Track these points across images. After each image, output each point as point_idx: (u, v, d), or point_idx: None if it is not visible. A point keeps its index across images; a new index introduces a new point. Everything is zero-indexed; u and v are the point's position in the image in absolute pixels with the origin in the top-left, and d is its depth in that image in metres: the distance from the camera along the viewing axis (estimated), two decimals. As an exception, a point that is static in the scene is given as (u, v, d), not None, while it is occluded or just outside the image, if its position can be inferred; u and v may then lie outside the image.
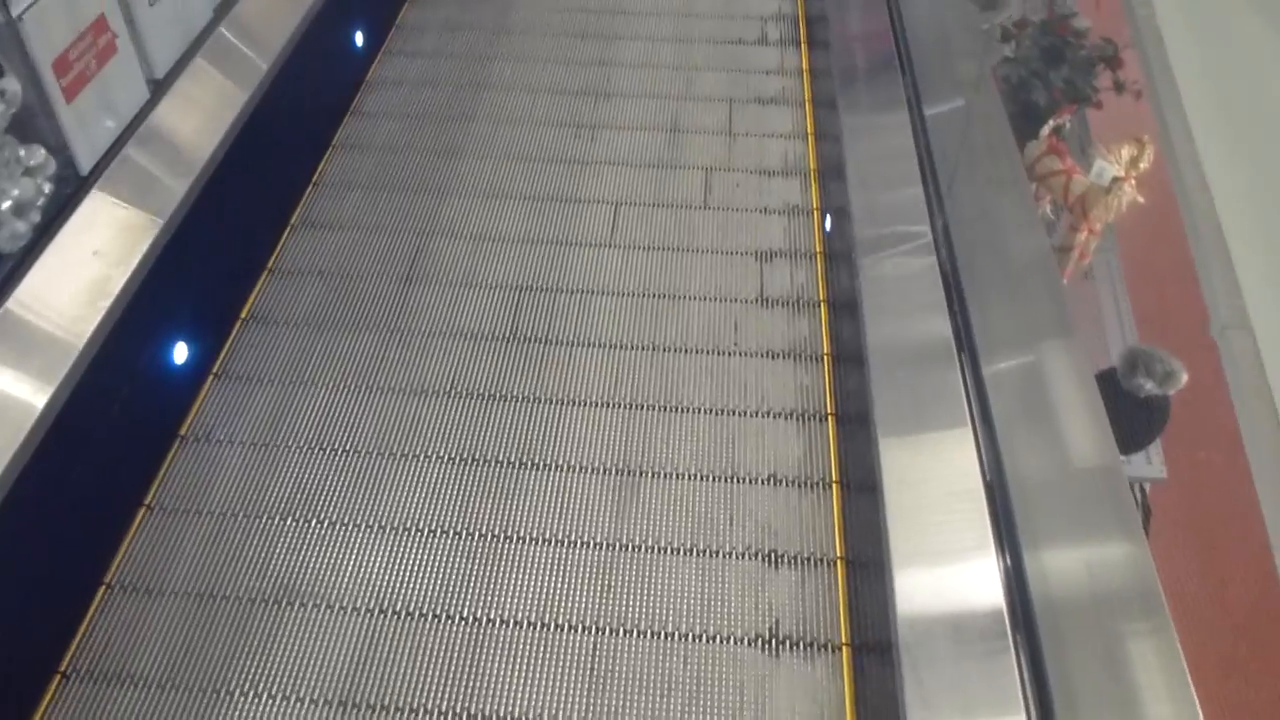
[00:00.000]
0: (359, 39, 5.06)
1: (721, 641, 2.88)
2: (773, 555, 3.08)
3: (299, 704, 2.76)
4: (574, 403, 3.51)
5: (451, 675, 2.82)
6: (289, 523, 3.16)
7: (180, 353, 3.42)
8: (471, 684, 2.80)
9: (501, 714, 2.74)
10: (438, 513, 3.19)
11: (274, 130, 3.85)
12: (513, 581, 3.02)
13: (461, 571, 3.05)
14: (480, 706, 2.76)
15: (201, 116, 3.38)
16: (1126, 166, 5.00)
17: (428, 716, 2.74)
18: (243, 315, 3.77)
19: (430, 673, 2.82)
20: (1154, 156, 4.92)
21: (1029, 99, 5.51)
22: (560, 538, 3.13)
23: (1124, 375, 3.93)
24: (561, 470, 3.31)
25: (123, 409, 3.08)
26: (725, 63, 5.23)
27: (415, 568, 3.06)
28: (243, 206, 3.76)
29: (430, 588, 3.01)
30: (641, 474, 3.29)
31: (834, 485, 3.26)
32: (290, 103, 3.97)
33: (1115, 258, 5.59)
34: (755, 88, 5.06)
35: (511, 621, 2.93)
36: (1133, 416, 3.93)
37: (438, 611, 2.95)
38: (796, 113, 4.91)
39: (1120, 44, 5.35)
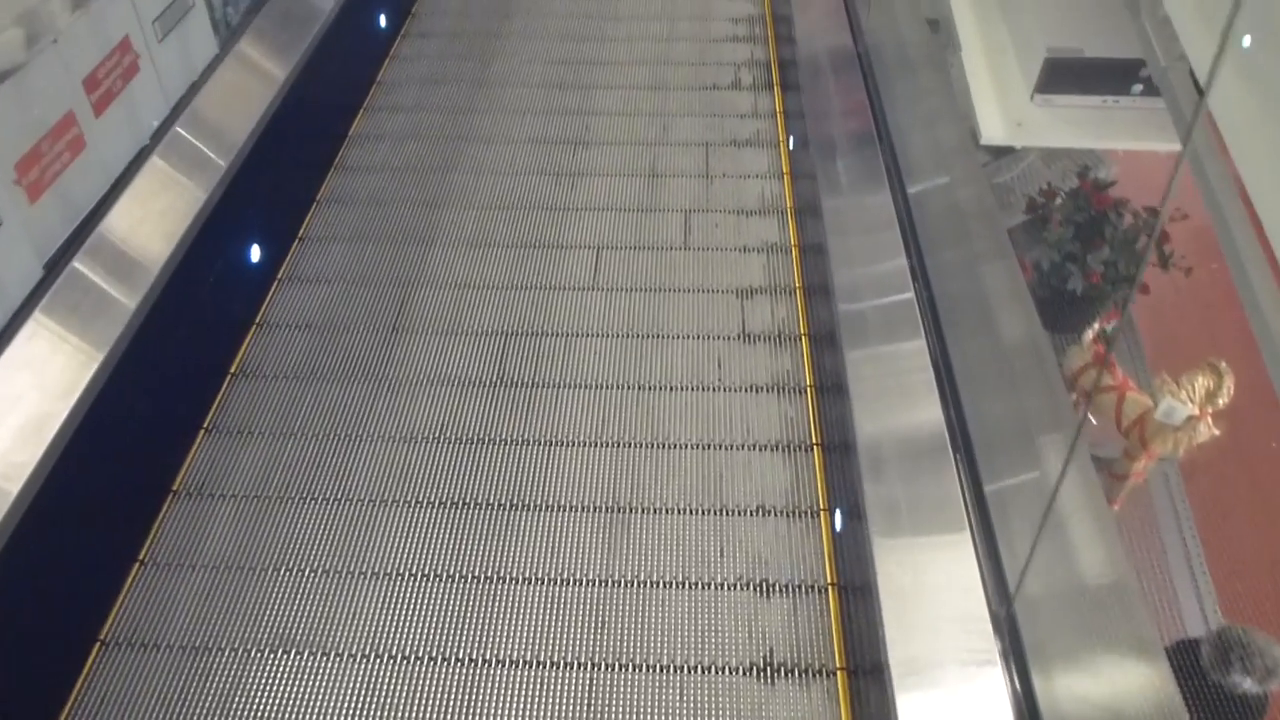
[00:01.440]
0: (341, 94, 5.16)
1: (717, 672, 2.90)
2: (764, 585, 3.11)
3: (297, 752, 2.76)
4: (562, 443, 3.54)
5: (450, 717, 2.82)
6: (283, 573, 3.17)
7: (170, 408, 3.46)
8: (470, 725, 2.81)
9: (500, 753, 2.75)
10: (430, 557, 3.20)
11: (259, 187, 3.93)
12: (507, 622, 3.04)
13: (456, 614, 3.06)
14: (479, 747, 2.76)
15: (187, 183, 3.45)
16: (1201, 402, 4.05)
17: (427, 759, 2.74)
18: (232, 370, 3.80)
19: (429, 715, 2.83)
20: (1233, 385, 4.01)
21: (1063, 288, 4.77)
22: (553, 577, 3.15)
23: (1214, 665, 3.02)
24: (552, 510, 3.33)
25: (115, 466, 3.11)
26: (700, 108, 5.33)
27: (410, 612, 3.07)
28: (229, 263, 3.83)
29: (426, 631, 3.02)
30: (632, 510, 3.32)
31: (822, 513, 3.30)
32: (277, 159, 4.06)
33: (1175, 471, 4.60)
34: (730, 131, 5.16)
35: (508, 661, 2.94)
36: (1221, 710, 3.06)
37: (434, 654, 2.96)
38: (771, 153, 5.00)
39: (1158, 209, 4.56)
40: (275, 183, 4.25)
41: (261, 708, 2.84)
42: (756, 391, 3.73)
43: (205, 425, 3.60)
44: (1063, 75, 3.70)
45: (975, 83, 3.93)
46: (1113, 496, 4.15)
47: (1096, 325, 4.58)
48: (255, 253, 4.14)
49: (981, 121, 3.81)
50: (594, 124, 5.20)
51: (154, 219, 3.35)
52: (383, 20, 5.75)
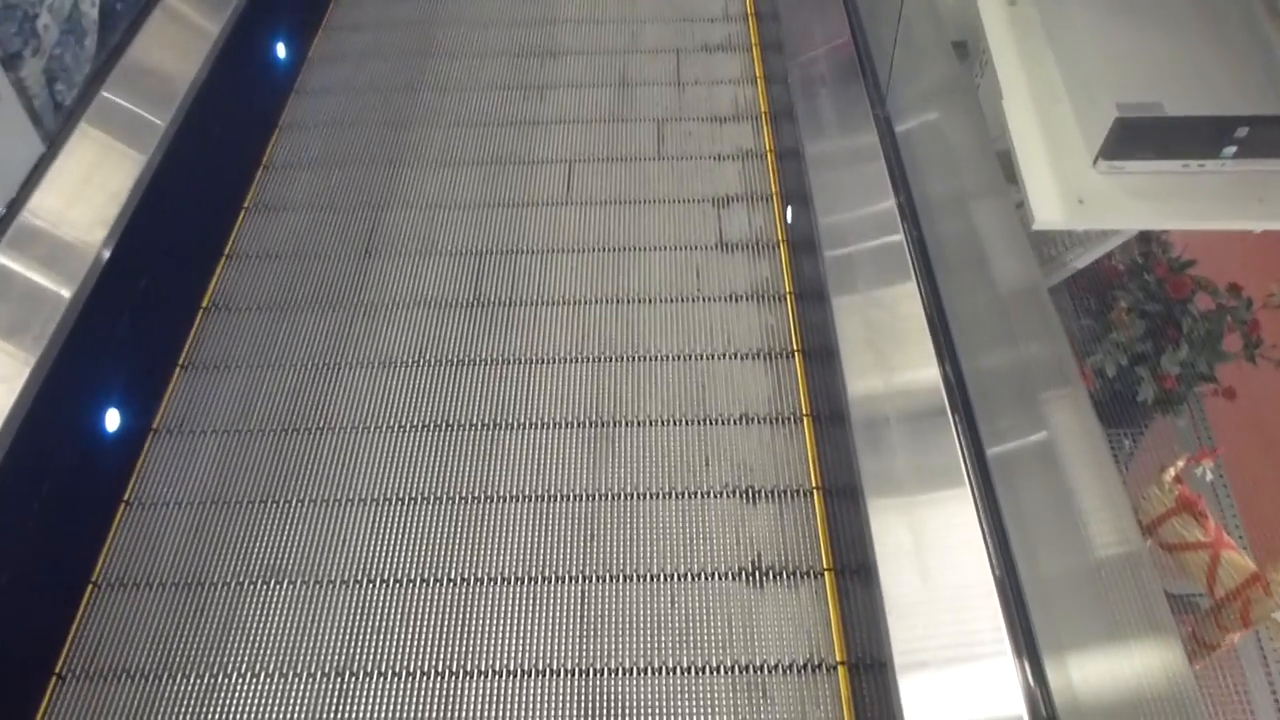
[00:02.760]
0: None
1: (706, 578, 2.93)
2: (750, 491, 3.13)
3: (296, 679, 2.80)
4: (543, 361, 3.53)
5: (445, 636, 2.86)
6: (270, 505, 3.18)
7: (145, 344, 3.43)
8: (465, 642, 2.84)
9: (497, 668, 2.78)
10: (416, 481, 3.21)
11: (220, 116, 3.84)
12: (497, 540, 3.06)
13: (446, 535, 3.08)
14: (476, 663, 2.80)
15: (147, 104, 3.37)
16: None
17: (424, 678, 2.78)
18: (204, 304, 3.76)
19: (424, 635, 2.86)
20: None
21: (1129, 395, 3.80)
22: (540, 493, 3.16)
23: None
24: (536, 428, 3.33)
25: (93, 405, 3.09)
26: (670, 13, 5.21)
27: (399, 536, 3.08)
28: (196, 191, 3.76)
29: (416, 554, 3.04)
30: (616, 424, 3.32)
31: (805, 419, 3.30)
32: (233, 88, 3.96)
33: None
34: (701, 36, 5.05)
35: (500, 578, 2.96)
36: None
37: (426, 576, 2.98)
38: (744, 58, 4.91)
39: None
40: (236, 108, 4.16)
41: (257, 639, 2.87)
42: (736, 300, 3.71)
43: (181, 362, 3.57)
44: (1136, 136, 2.86)
45: (1022, 144, 3.03)
46: (1197, 657, 3.28)
47: (1181, 465, 3.37)
48: (220, 181, 4.06)
49: (1032, 197, 2.90)
50: (561, 33, 5.08)
51: (115, 151, 3.28)
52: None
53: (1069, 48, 3.24)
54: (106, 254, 3.01)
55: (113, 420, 3.22)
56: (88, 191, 3.11)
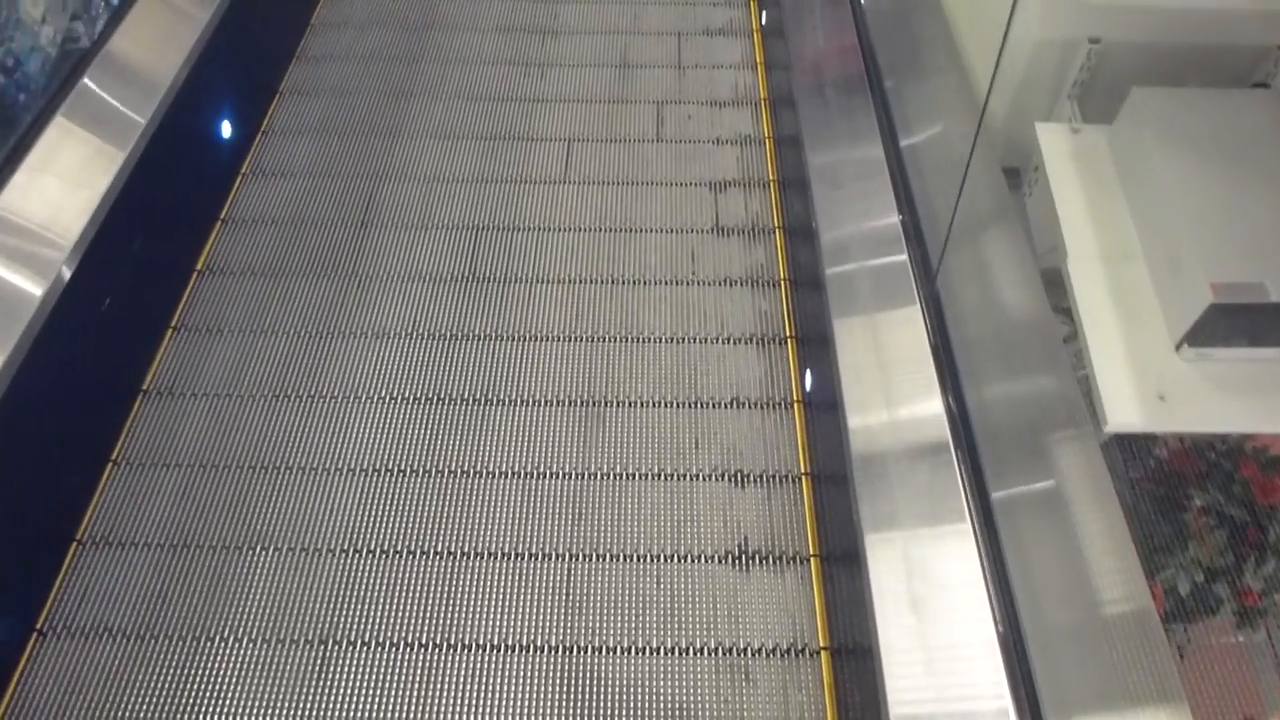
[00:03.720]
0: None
1: (693, 560, 2.94)
2: (739, 475, 3.14)
3: (279, 645, 2.80)
4: (536, 338, 3.53)
5: (429, 608, 2.86)
6: (258, 471, 3.17)
7: (138, 306, 3.41)
8: (450, 615, 2.85)
9: (480, 642, 2.79)
10: (406, 452, 3.21)
11: (221, 79, 3.81)
12: (485, 515, 3.06)
13: (433, 508, 3.08)
14: (460, 636, 2.81)
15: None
16: None
17: (408, 649, 2.79)
18: (198, 267, 3.74)
19: (408, 607, 2.87)
20: None
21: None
22: (529, 470, 3.16)
23: None
24: (527, 405, 3.33)
25: (84, 367, 3.08)
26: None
27: (387, 507, 3.09)
28: (191, 157, 3.73)
29: (403, 526, 3.04)
30: (607, 404, 3.33)
31: (796, 405, 3.32)
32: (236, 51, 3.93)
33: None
34: (703, 19, 5.04)
35: (486, 554, 2.97)
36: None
37: (412, 548, 2.98)
38: (745, 43, 4.90)
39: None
40: (237, 73, 4.13)
41: (241, 604, 2.87)
42: (730, 285, 3.72)
43: (173, 324, 3.56)
44: (1233, 322, 2.39)
45: (1090, 318, 2.55)
46: None
47: None
48: (218, 147, 4.04)
49: (1104, 393, 2.43)
50: (563, 12, 5.06)
51: (117, 112, 3.26)
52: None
53: (1148, 197, 2.72)
54: (101, 216, 2.99)
55: (102, 379, 3.20)
56: (80, 156, 3.09)
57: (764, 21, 4.92)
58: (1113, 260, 2.66)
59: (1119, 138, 2.93)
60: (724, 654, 2.77)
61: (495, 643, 2.80)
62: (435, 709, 2.69)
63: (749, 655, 2.77)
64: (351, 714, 2.68)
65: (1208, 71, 3.03)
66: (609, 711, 2.68)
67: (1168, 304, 2.55)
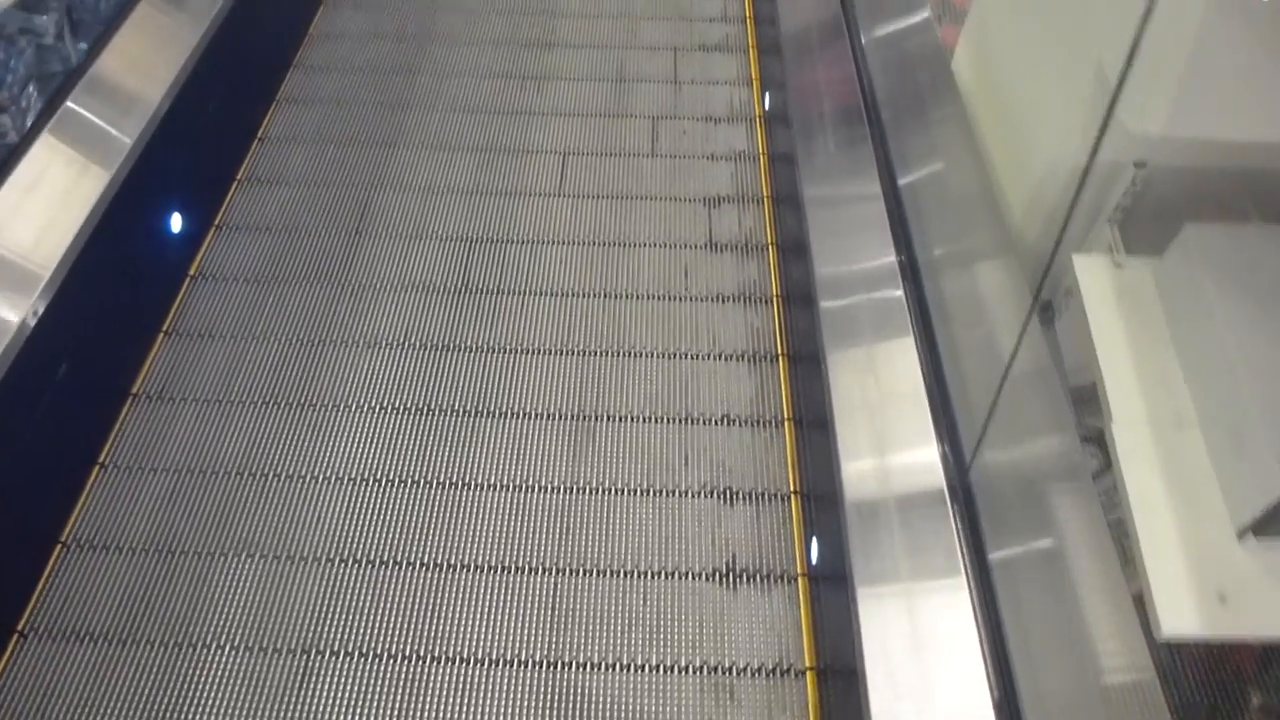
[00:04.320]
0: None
1: (680, 578, 2.94)
2: (728, 492, 3.14)
3: (261, 654, 2.78)
4: (527, 351, 3.52)
5: (415, 620, 2.85)
6: (246, 477, 3.16)
7: (129, 310, 3.40)
8: (435, 627, 2.84)
9: (465, 655, 2.78)
10: (395, 462, 3.20)
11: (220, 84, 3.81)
12: (472, 527, 3.05)
13: (421, 519, 3.07)
14: (445, 649, 2.79)
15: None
16: None
17: (391, 661, 2.77)
18: (191, 272, 3.73)
19: (393, 618, 2.85)
20: None
21: None
22: (518, 483, 3.16)
23: None
24: (517, 417, 3.33)
25: (72, 370, 3.06)
26: (668, 11, 5.22)
27: (374, 517, 3.08)
28: (188, 163, 3.73)
29: (390, 536, 3.03)
30: (597, 418, 3.33)
31: (786, 423, 3.32)
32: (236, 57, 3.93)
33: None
34: (699, 35, 5.06)
35: (472, 566, 2.96)
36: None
37: (398, 559, 2.97)
38: (740, 59, 4.92)
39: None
40: (233, 81, 4.13)
41: (224, 612, 2.85)
42: (723, 301, 3.72)
43: (165, 328, 3.54)
44: None
45: (1138, 498, 2.22)
46: None
47: None
48: (214, 152, 4.04)
49: (1156, 591, 2.11)
50: (561, 26, 5.08)
51: (111, 115, 3.26)
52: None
53: (1204, 352, 2.36)
54: (95, 220, 2.99)
55: (91, 382, 3.19)
56: (76, 160, 3.09)
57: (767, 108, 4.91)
58: (1164, 428, 2.30)
59: (1169, 279, 2.55)
60: (709, 672, 2.76)
61: (480, 656, 2.79)
62: (418, 721, 2.68)
63: (734, 674, 2.76)
64: (334, 725, 2.67)
65: (1269, 202, 2.64)
66: (593, 727, 2.68)
67: (1230, 485, 2.18)
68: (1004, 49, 3.30)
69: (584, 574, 2.95)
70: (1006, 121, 3.23)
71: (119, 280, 3.32)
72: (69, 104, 3.15)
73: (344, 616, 2.86)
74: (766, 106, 4.60)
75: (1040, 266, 2.76)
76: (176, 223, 3.75)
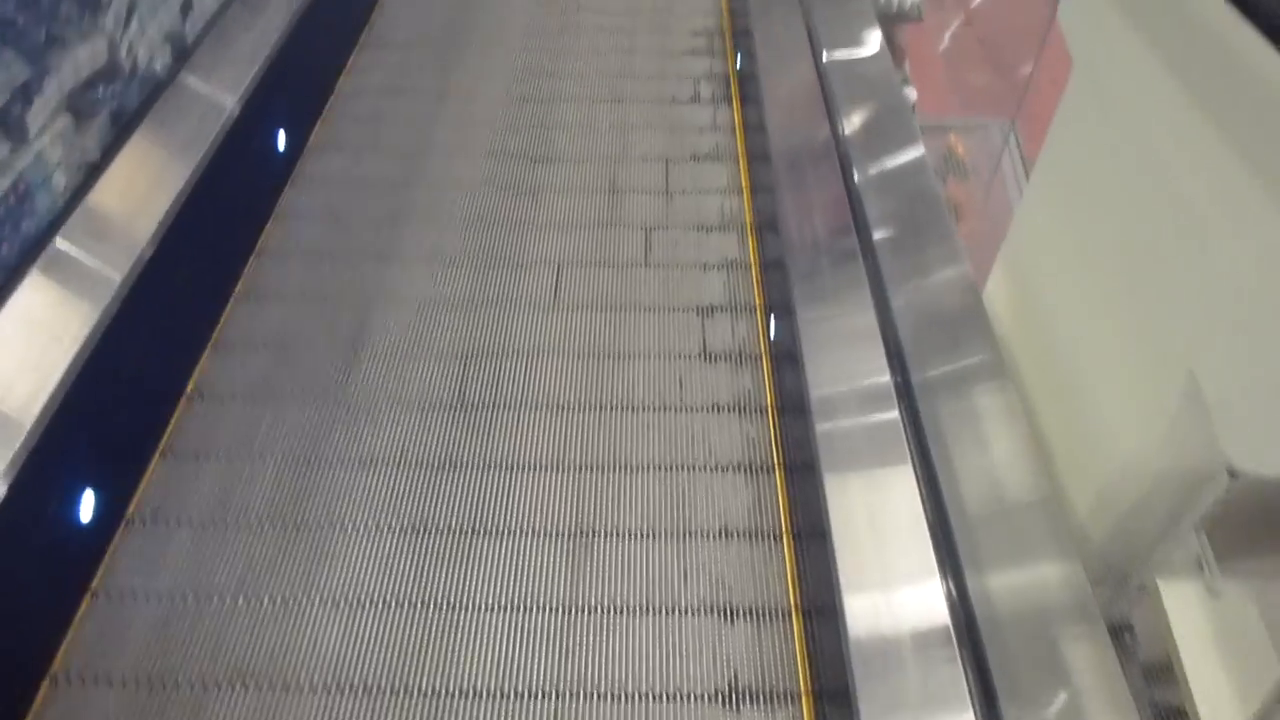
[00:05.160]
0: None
1: (682, 700, 2.89)
2: (728, 609, 3.11)
3: (257, 788, 2.72)
4: (524, 467, 3.52)
5: (412, 749, 2.80)
6: (240, 602, 3.12)
7: (126, 430, 3.40)
8: (432, 757, 2.79)
9: (464, 786, 2.73)
10: (391, 584, 3.17)
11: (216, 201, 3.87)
12: (470, 651, 3.01)
13: (418, 643, 3.03)
14: (442, 780, 2.74)
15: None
16: None
17: (389, 793, 2.72)
18: (188, 391, 3.74)
19: (390, 748, 2.80)
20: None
21: None
22: (516, 604, 3.13)
23: None
24: (514, 536, 3.31)
25: (67, 495, 3.05)
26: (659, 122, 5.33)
27: (371, 642, 3.04)
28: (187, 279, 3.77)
29: (387, 662, 2.98)
30: (594, 535, 3.31)
31: (784, 535, 3.30)
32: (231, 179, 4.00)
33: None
34: (690, 145, 5.16)
35: (471, 692, 2.91)
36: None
37: (395, 686, 2.93)
38: (731, 168, 5.01)
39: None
40: (233, 196, 4.19)
41: (220, 743, 2.80)
42: (718, 411, 3.73)
43: (161, 449, 3.54)
44: None
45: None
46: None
47: None
48: (211, 269, 4.08)
49: None
50: (555, 138, 5.18)
51: (115, 230, 3.30)
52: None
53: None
54: (93, 343, 3.01)
55: (85, 507, 3.17)
56: (74, 282, 3.12)
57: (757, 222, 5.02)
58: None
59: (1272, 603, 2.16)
60: (713, 799, 2.71)
61: (479, 787, 2.73)
62: None
63: (739, 801, 2.71)
64: None
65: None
66: None
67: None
68: (1060, 311, 2.87)
69: (585, 698, 2.91)
70: (1062, 395, 2.87)
71: (117, 401, 3.32)
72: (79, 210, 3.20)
73: (340, 747, 2.81)
74: (756, 213, 4.67)
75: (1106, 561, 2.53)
76: (173, 341, 3.77)
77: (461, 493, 3.43)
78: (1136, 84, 2.36)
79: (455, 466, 3.51)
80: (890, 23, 5.43)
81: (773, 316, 4.07)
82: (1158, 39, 2.25)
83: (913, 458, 2.79)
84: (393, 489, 3.44)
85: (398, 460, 3.53)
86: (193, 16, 3.92)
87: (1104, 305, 2.62)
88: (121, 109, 3.50)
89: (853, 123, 4.05)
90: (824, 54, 4.49)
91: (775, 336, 3.97)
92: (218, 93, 3.99)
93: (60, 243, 3.13)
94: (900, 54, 5.65)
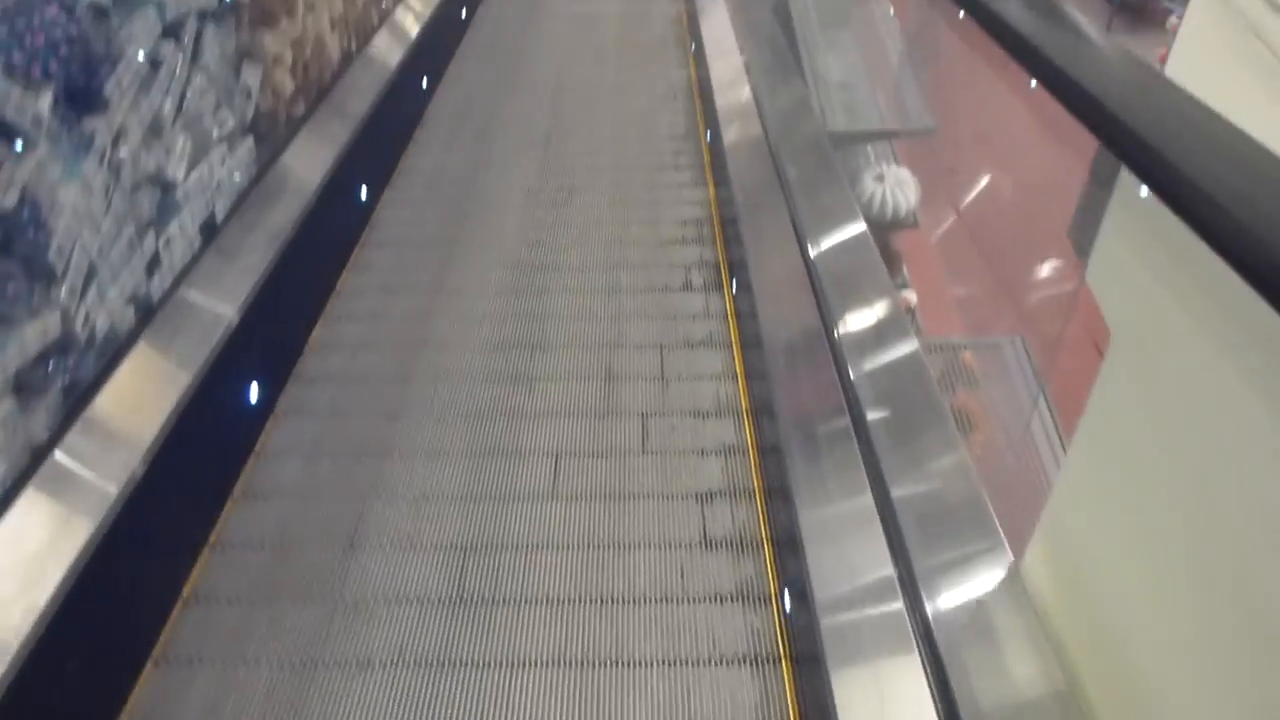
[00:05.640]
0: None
1: None
2: (738, 815, 3.00)
3: None
4: (524, 664, 3.45)
5: None
6: (231, 819, 3.01)
7: (119, 639, 3.34)
8: None
9: None
10: (389, 795, 3.07)
11: (219, 402, 3.93)
12: None
13: None
14: None
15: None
16: None
17: None
18: (184, 595, 3.70)
19: None
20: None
21: None
22: (518, 812, 3.02)
23: None
24: (516, 738, 3.22)
25: (59, 703, 2.98)
26: (653, 310, 5.46)
27: None
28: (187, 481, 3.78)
29: None
30: (598, 735, 3.22)
31: (793, 732, 3.22)
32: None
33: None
34: (683, 332, 5.27)
35: None
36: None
37: None
38: (725, 354, 5.10)
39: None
40: (234, 396, 4.26)
41: None
42: (721, 601, 3.69)
43: (155, 656, 3.48)
44: None
45: None
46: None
47: None
48: (210, 469, 4.10)
49: None
50: (550, 329, 5.30)
51: (116, 439, 3.33)
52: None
53: None
54: (89, 552, 3.00)
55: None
56: (80, 484, 3.14)
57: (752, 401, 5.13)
58: None
59: None
60: None
61: None
62: None
63: None
64: None
65: None
66: None
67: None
68: (1115, 595, 2.51)
69: None
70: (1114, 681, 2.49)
71: (110, 609, 3.28)
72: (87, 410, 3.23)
73: None
74: (752, 399, 4.74)
75: None
76: (170, 544, 3.76)
77: (461, 694, 3.35)
78: (1183, 348, 2.16)
79: (454, 665, 3.44)
80: (885, 230, 5.57)
81: (772, 500, 4.08)
82: (1196, 297, 2.07)
83: (920, 652, 2.74)
84: (391, 692, 3.36)
85: (395, 660, 3.46)
86: (160, 273, 3.87)
87: (1171, 593, 2.26)
88: (75, 381, 3.31)
89: (844, 318, 4.12)
90: (810, 248, 4.62)
91: (776, 521, 3.96)
92: (217, 305, 4.10)
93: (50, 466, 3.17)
94: (897, 260, 5.78)
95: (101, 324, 3.44)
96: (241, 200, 4.63)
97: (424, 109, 8.05)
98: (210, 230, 4.31)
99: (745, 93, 6.80)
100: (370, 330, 5.30)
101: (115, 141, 3.50)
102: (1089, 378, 2.46)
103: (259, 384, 4.53)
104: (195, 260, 4.14)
